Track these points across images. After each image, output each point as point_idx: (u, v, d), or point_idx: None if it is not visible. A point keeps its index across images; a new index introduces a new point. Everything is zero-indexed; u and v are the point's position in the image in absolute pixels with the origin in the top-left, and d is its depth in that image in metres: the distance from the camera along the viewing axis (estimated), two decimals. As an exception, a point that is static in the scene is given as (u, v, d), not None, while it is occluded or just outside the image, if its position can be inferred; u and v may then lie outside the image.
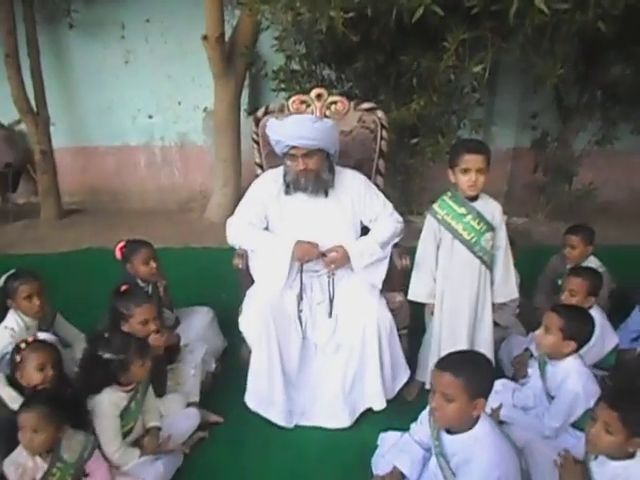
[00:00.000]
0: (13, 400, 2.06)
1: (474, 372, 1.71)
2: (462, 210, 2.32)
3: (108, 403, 2.04)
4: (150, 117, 5.43)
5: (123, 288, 2.37)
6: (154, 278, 2.74)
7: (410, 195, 4.75)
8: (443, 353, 2.39)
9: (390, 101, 3.85)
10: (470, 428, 1.73)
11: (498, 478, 1.68)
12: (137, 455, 2.07)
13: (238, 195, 4.82)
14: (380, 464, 2.05)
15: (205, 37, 4.18)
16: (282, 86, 4.17)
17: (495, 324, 2.95)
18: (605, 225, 4.97)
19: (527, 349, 2.61)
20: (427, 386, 2.48)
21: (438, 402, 1.69)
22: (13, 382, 2.10)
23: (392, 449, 2.04)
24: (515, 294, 2.45)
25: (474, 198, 2.34)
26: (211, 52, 4.23)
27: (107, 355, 2.04)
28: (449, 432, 1.78)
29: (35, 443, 1.79)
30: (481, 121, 4.28)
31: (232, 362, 2.79)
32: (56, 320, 2.65)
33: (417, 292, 2.44)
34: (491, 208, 2.36)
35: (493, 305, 2.46)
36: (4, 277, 2.52)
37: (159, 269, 2.75)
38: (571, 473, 1.82)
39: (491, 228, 2.34)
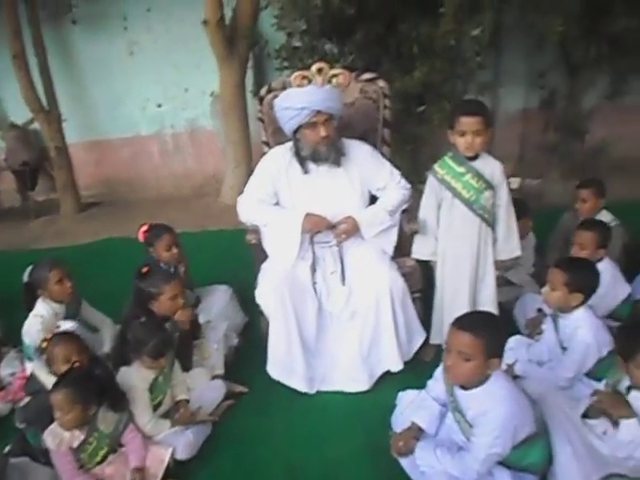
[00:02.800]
0: (48, 382, 2.20)
1: (493, 333, 1.77)
2: (461, 169, 2.35)
3: (137, 379, 2.16)
4: (159, 106, 5.51)
5: (144, 270, 2.48)
6: (175, 262, 2.85)
7: (420, 164, 4.75)
8: (446, 311, 2.48)
9: (393, 71, 3.86)
10: (483, 383, 1.80)
11: (515, 427, 1.76)
12: (168, 426, 2.19)
13: (250, 176, 4.91)
14: (399, 421, 2.13)
15: (205, 22, 4.22)
16: (285, 64, 4.21)
17: (510, 283, 3.03)
18: (620, 181, 4.91)
19: (540, 310, 2.65)
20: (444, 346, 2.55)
21: (454, 360, 1.76)
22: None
23: (410, 406, 2.12)
24: (517, 252, 2.49)
25: (474, 157, 2.37)
26: (212, 36, 4.27)
27: (131, 335, 2.15)
28: (463, 388, 1.85)
29: (65, 420, 1.93)
30: (487, 84, 4.27)
31: (253, 336, 2.88)
32: (82, 307, 2.77)
33: (420, 250, 2.52)
34: (491, 167, 2.39)
35: (503, 263, 2.50)
36: (27, 272, 2.65)
37: (180, 253, 2.87)
38: (612, 401, 1.88)
39: (490, 186, 2.37)
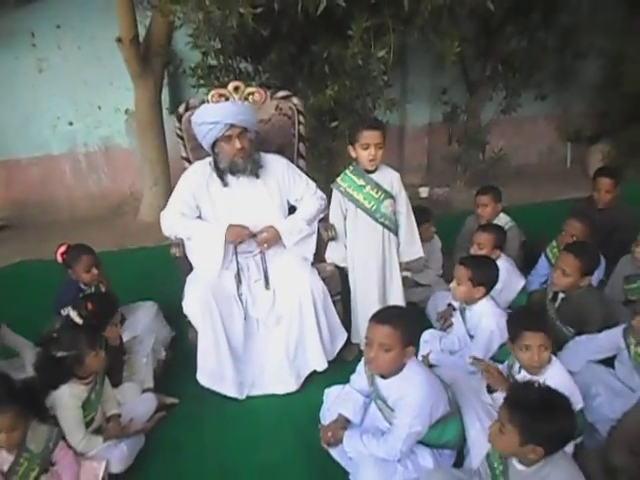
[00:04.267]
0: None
1: (407, 323, 1.98)
2: (361, 182, 2.59)
3: (69, 396, 2.17)
4: (71, 124, 5.39)
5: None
6: (96, 282, 2.86)
7: (335, 176, 4.99)
8: (360, 313, 2.69)
9: (306, 89, 4.05)
10: (400, 371, 1.99)
11: (430, 407, 1.96)
12: (101, 442, 2.21)
13: (169, 193, 4.88)
14: (327, 415, 2.29)
15: (119, 39, 4.24)
16: (201, 82, 4.29)
17: (421, 284, 3.28)
18: (518, 187, 5.45)
19: (450, 304, 2.91)
20: (362, 347, 2.74)
21: (376, 352, 1.94)
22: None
23: (336, 400, 2.28)
24: (420, 253, 2.75)
25: (373, 170, 2.60)
26: (127, 54, 4.29)
27: (60, 353, 2.16)
28: (383, 377, 2.03)
29: (13, 440, 1.91)
30: (394, 100, 4.55)
31: (180, 349, 2.94)
32: (1, 330, 2.71)
33: (332, 257, 2.74)
34: (389, 177, 2.63)
35: (413, 265, 2.74)
36: None
37: (100, 274, 2.88)
38: (495, 375, 2.12)
39: (390, 195, 2.61)
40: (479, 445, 2.01)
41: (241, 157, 2.59)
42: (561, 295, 2.57)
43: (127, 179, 5.54)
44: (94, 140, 5.47)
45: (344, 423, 2.17)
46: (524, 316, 2.16)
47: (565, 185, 5.40)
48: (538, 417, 1.52)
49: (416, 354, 2.16)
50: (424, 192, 5.49)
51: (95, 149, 5.50)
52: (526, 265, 3.28)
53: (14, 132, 5.37)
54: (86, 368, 2.22)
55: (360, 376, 2.24)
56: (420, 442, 2.03)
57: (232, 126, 2.51)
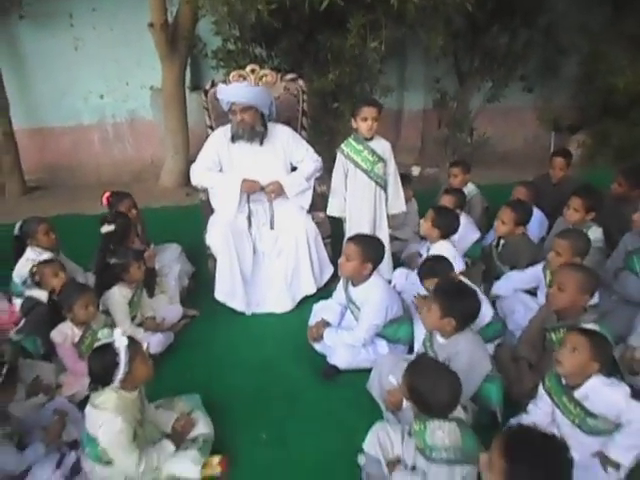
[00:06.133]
0: (44, 298, 2.99)
1: (369, 245, 2.78)
2: (360, 147, 3.37)
3: (119, 295, 3.01)
4: (101, 97, 6.22)
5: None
6: (135, 222, 3.67)
7: (335, 153, 5.79)
8: None
9: (312, 73, 4.85)
10: (366, 281, 2.80)
11: (387, 307, 2.78)
12: (142, 332, 3.03)
13: (188, 161, 5.75)
14: (313, 321, 3.10)
15: (151, 24, 5.04)
16: (221, 64, 5.09)
17: (398, 239, 4.07)
18: (503, 169, 6.24)
19: (418, 252, 3.69)
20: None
21: (343, 260, 2.76)
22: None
23: (320, 309, 3.11)
24: (403, 207, 3.54)
25: (370, 139, 3.38)
26: (157, 37, 5.09)
27: (114, 260, 2.99)
28: (353, 285, 2.84)
29: (91, 315, 2.76)
30: (390, 87, 5.34)
31: (199, 281, 3.76)
32: (60, 256, 3.53)
33: (332, 209, 3.51)
34: (382, 146, 3.41)
35: (389, 219, 3.53)
36: (17, 227, 3.39)
37: (139, 214, 3.70)
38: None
39: (382, 160, 3.39)
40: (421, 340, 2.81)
41: (242, 127, 3.40)
42: (502, 242, 3.37)
43: (149, 149, 6.37)
44: (121, 113, 6.29)
45: (324, 324, 2.99)
46: None
47: (546, 169, 6.15)
48: (453, 297, 2.33)
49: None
50: (416, 171, 6.27)
51: (122, 121, 6.33)
52: (488, 227, 4.06)
53: (50, 103, 6.20)
54: (131, 276, 3.05)
55: (339, 291, 3.06)
56: (380, 336, 2.85)
57: (234, 104, 3.31)
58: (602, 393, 2.12)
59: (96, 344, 2.24)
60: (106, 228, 3.21)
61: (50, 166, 6.37)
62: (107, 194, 3.72)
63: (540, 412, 2.35)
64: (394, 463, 2.16)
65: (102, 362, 2.13)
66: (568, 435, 2.24)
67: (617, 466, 2.16)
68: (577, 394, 2.16)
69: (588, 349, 2.10)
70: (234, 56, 5.13)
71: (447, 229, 3.25)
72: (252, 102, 3.34)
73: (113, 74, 6.09)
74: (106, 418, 2.13)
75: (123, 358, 2.12)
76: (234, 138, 3.44)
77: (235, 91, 3.35)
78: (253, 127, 3.41)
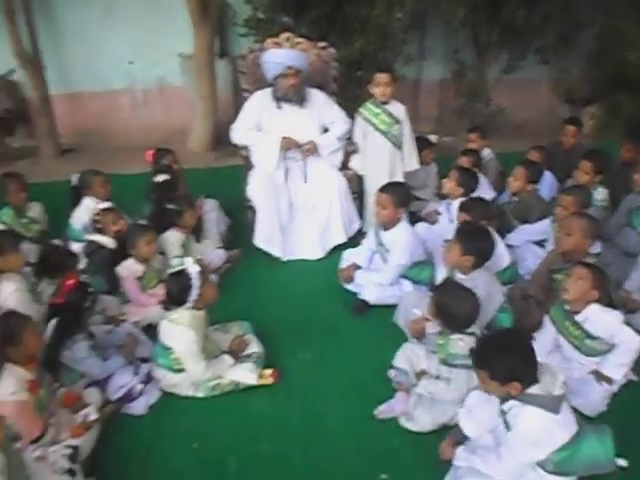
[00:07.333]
0: (106, 242, 3.43)
1: (398, 191, 3.21)
2: (377, 110, 3.80)
3: (173, 238, 3.46)
4: (131, 63, 6.59)
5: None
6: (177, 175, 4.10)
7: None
8: (371, 207, 3.86)
9: (338, 41, 5.21)
10: (395, 226, 3.23)
11: (411, 250, 3.22)
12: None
13: (217, 126, 6.15)
14: (343, 264, 3.54)
15: (185, -9, 5.40)
16: (251, 32, 5.46)
17: (418, 198, 4.48)
18: (518, 139, 6.60)
19: (437, 211, 4.10)
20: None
21: (377, 209, 3.18)
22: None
23: (350, 254, 3.55)
24: (416, 165, 4.01)
25: (386, 102, 3.78)
26: (191, 4, 5.45)
27: (170, 206, 3.43)
28: (385, 229, 3.26)
29: (152, 250, 3.22)
30: (412, 56, 5.71)
31: (236, 233, 4.20)
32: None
33: (355, 165, 3.98)
34: (398, 109, 3.85)
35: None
36: (75, 178, 3.83)
37: (180, 170, 4.12)
38: None
39: (398, 122, 3.82)
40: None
41: (292, 91, 3.78)
42: (514, 198, 3.79)
43: (177, 114, 6.75)
44: (150, 78, 6.67)
45: (355, 267, 3.43)
46: None
47: (557, 138, 6.53)
48: (473, 238, 2.76)
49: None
50: (434, 139, 6.60)
51: (151, 86, 6.70)
52: (502, 189, 4.46)
53: (81, 68, 6.58)
54: (184, 222, 3.49)
55: (368, 239, 3.49)
56: (404, 277, 3.28)
57: (289, 67, 3.69)
58: (599, 316, 2.56)
59: (169, 271, 2.68)
60: (161, 177, 3.65)
61: (82, 129, 6.77)
62: (151, 151, 4.14)
63: (545, 339, 2.79)
64: (420, 374, 2.61)
65: (178, 285, 2.58)
66: (570, 357, 2.69)
67: (610, 381, 2.61)
68: (578, 317, 2.59)
69: (590, 279, 2.53)
70: (262, 25, 5.49)
71: (469, 187, 3.66)
72: (302, 66, 3.75)
73: (143, 40, 6.44)
74: (181, 330, 2.59)
75: (196, 282, 2.56)
76: (280, 100, 3.83)
77: (290, 55, 3.76)
78: (300, 90, 3.80)
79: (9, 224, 3.63)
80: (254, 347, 2.85)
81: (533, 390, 2.01)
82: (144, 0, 6.27)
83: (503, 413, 2.09)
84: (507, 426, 2.08)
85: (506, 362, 2.00)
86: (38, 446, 2.20)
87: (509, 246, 3.58)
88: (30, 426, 2.20)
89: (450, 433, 2.38)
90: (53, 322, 2.62)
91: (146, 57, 6.57)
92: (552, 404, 2.00)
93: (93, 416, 2.43)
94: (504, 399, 2.08)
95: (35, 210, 3.95)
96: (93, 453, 2.37)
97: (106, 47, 6.48)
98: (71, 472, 2.14)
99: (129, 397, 2.64)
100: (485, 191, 4.05)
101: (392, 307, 3.20)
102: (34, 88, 6.11)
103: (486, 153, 4.52)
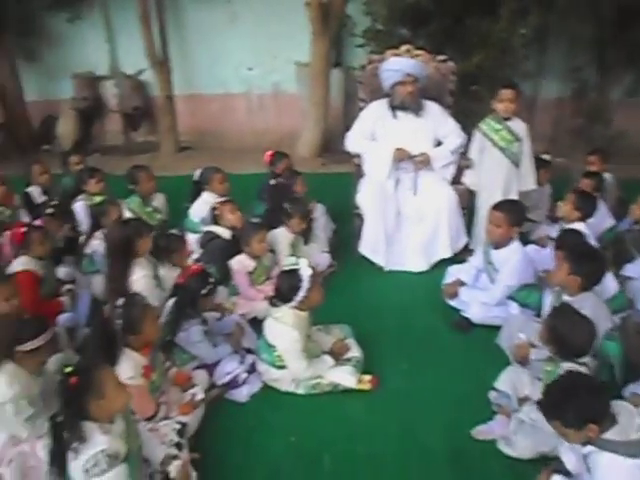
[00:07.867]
0: (222, 232, 3.65)
1: (514, 211, 3.16)
2: (498, 126, 3.74)
3: (282, 236, 3.62)
4: (249, 69, 6.93)
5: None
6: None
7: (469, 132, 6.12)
8: (481, 224, 3.81)
9: (455, 55, 5.18)
10: (507, 245, 3.18)
11: (521, 273, 3.15)
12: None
13: (326, 133, 6.32)
14: (448, 279, 3.52)
15: (308, 3, 5.60)
16: (369, 43, 5.57)
17: (529, 220, 4.36)
18: (640, 165, 6.24)
19: (549, 236, 3.97)
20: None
21: (491, 227, 3.15)
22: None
23: (456, 270, 3.52)
24: (533, 185, 3.92)
25: (508, 119, 3.72)
26: (312, 14, 5.65)
27: (286, 205, 3.65)
28: (496, 248, 3.22)
29: (263, 248, 3.39)
30: (530, 73, 5.58)
31: (341, 239, 4.30)
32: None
33: (468, 181, 3.94)
34: (519, 126, 3.78)
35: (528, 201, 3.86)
36: (198, 173, 4.10)
37: (293, 170, 4.30)
38: None
39: (518, 139, 3.75)
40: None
41: (409, 98, 3.83)
42: (635, 227, 3.61)
43: (289, 120, 7.00)
44: (266, 84, 6.98)
45: (460, 283, 3.41)
46: None
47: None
48: (583, 258, 2.71)
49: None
50: (547, 159, 6.42)
51: (266, 92, 7.00)
52: (621, 216, 4.25)
53: (202, 72, 7.01)
54: (292, 224, 3.65)
55: (475, 257, 3.46)
56: (512, 298, 3.21)
57: (408, 75, 3.75)
58: None
59: (283, 268, 2.81)
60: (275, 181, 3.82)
61: (200, 129, 7.20)
62: (269, 152, 4.34)
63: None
64: (523, 399, 2.55)
65: (289, 283, 2.70)
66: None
67: None
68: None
69: None
70: (381, 36, 5.58)
71: (587, 212, 3.52)
72: (420, 75, 3.82)
73: (263, 48, 6.77)
74: (285, 330, 2.71)
75: (305, 284, 2.67)
76: (396, 109, 3.89)
77: (410, 63, 3.83)
78: (416, 99, 3.86)
79: (136, 211, 3.94)
80: (354, 351, 2.92)
81: (609, 435, 1.92)
82: (267, 8, 6.58)
83: (585, 457, 2.01)
84: (589, 470, 2.00)
85: (574, 405, 1.93)
86: (150, 422, 2.39)
87: (628, 278, 3.41)
88: (145, 407, 2.40)
89: (551, 464, 2.31)
90: (171, 302, 2.83)
91: (265, 64, 6.89)
92: (631, 449, 1.90)
93: (200, 396, 2.61)
94: (584, 443, 1.98)
95: (159, 200, 4.25)
96: (197, 431, 2.54)
97: (228, 53, 6.87)
98: (178, 445, 2.31)
99: (234, 384, 2.79)
100: (603, 217, 3.89)
101: (495, 328, 3.15)
102: (160, 88, 6.58)
103: (606, 176, 4.33)
